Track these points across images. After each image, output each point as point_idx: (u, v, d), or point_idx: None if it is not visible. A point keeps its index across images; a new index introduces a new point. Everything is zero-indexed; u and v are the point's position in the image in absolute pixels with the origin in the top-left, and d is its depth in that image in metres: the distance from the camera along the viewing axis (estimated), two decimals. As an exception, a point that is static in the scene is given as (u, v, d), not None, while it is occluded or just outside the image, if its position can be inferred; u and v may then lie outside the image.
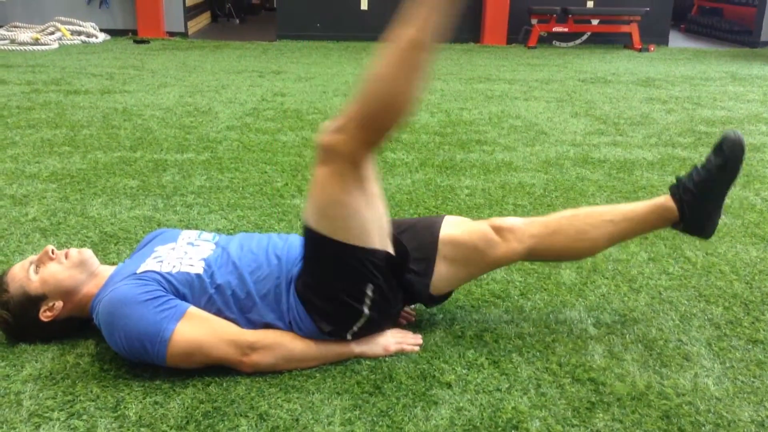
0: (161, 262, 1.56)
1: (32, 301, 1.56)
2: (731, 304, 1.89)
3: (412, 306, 1.76)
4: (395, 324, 1.68)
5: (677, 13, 8.68)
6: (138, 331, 1.42)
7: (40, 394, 1.43)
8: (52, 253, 1.59)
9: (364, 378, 1.51)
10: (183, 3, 7.58)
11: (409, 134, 3.66)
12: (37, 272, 1.58)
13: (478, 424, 1.37)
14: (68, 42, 6.82)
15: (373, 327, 1.58)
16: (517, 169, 3.11)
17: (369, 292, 1.51)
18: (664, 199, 1.68)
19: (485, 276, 1.97)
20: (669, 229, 1.73)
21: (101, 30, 7.31)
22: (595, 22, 7.79)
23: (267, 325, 1.54)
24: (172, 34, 7.59)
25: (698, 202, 1.64)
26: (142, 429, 1.33)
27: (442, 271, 1.60)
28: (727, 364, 1.60)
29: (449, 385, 1.49)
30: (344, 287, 1.51)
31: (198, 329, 1.46)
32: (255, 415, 1.38)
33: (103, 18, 7.47)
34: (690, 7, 9.61)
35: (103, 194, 2.65)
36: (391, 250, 1.53)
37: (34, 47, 6.42)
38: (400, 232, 1.61)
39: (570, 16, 7.63)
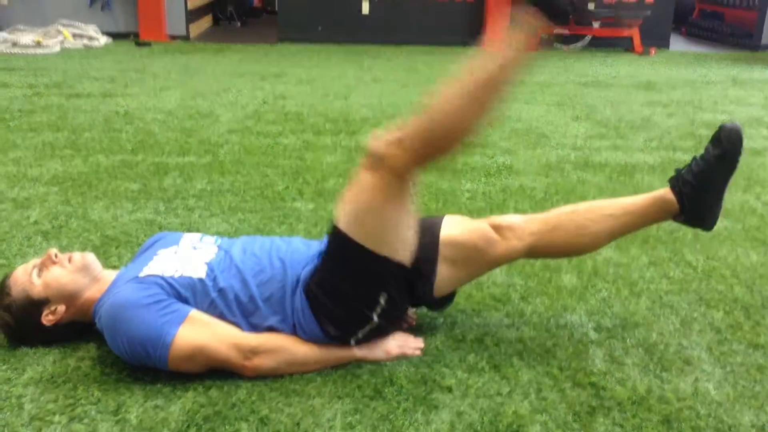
0: (163, 266, 1.56)
1: (35, 305, 1.56)
2: (732, 308, 1.89)
3: (414, 310, 1.76)
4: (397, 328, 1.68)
5: (678, 16, 8.67)
6: (140, 335, 1.43)
7: (42, 398, 1.43)
8: (56, 256, 1.59)
9: (364, 382, 1.51)
10: (185, 6, 7.58)
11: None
12: (39, 276, 1.58)
13: (478, 428, 1.37)
14: (70, 45, 6.83)
15: (378, 334, 1.59)
16: (518, 172, 3.11)
17: (382, 301, 1.52)
18: (664, 192, 1.67)
19: (486, 280, 1.97)
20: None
21: (103, 33, 7.32)
22: (596, 24, 7.79)
23: (270, 329, 1.54)
24: (173, 37, 7.59)
25: (698, 194, 1.62)
26: (143, 433, 1.34)
27: (443, 273, 1.60)
28: (728, 369, 1.60)
29: (450, 389, 1.49)
30: (360, 293, 1.52)
31: (200, 333, 1.46)
32: (256, 419, 1.38)
33: (104, 21, 7.47)
34: (691, 10, 9.61)
35: (104, 197, 2.65)
36: (409, 263, 1.53)
37: (36, 50, 6.43)
38: None
39: (570, 16, 7.62)
